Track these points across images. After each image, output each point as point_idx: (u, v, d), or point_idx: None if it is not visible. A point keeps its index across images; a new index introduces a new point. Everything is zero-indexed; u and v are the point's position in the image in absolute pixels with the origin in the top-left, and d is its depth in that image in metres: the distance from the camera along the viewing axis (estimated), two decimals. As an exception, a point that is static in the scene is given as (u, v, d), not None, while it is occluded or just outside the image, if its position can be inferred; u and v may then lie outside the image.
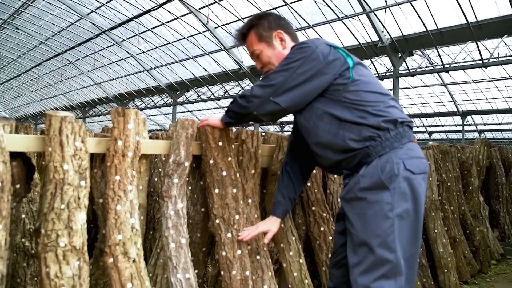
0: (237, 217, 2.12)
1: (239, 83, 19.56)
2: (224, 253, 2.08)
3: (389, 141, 1.77)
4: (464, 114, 18.83)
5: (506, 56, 12.21)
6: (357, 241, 1.75)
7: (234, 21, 15.00)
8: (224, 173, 2.11)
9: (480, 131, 21.43)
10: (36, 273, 2.43)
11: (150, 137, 2.90)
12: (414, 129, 23.41)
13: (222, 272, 2.08)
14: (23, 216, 2.46)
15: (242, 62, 17.48)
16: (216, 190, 2.11)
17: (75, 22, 19.02)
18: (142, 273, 1.78)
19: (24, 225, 2.49)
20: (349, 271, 1.78)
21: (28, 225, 2.49)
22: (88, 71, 25.00)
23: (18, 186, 1.78)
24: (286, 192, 2.18)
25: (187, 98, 23.13)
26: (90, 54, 22.11)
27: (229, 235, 2.09)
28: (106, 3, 16.50)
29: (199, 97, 22.22)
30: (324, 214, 2.61)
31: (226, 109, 2.01)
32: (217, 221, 2.10)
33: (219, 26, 15.74)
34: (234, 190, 2.13)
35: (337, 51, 1.86)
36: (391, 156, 1.75)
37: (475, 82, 16.11)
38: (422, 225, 1.85)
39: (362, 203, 1.75)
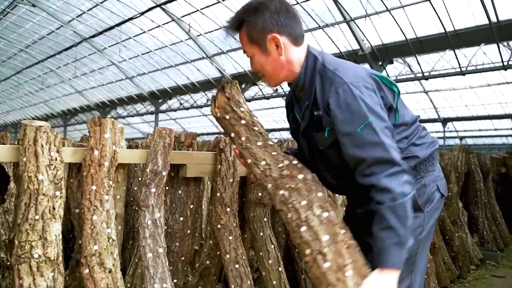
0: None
1: (222, 91, 19.52)
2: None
3: (424, 165, 1.73)
4: (445, 121, 19.09)
5: (483, 64, 12.45)
6: None
7: (216, 29, 15.04)
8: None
9: (461, 138, 21.73)
10: (11, 285, 2.39)
11: (130, 146, 2.89)
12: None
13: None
14: (-2, 227, 2.42)
15: (225, 70, 17.52)
16: None
17: (56, 29, 18.86)
18: (118, 283, 1.77)
19: (0, 236, 2.46)
20: None
21: (4, 236, 2.46)
22: (70, 79, 24.76)
23: (-9, 197, 1.76)
24: None
25: (169, 106, 23.06)
26: (71, 62, 21.91)
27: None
28: (88, 10, 16.41)
29: (182, 105, 22.17)
30: (304, 222, 2.61)
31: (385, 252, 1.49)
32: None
33: (201, 34, 15.77)
34: None
35: (383, 82, 1.63)
36: (427, 180, 1.72)
37: (455, 90, 16.36)
38: None
39: None
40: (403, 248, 1.48)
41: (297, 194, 1.65)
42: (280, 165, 1.73)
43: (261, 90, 18.11)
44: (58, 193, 1.67)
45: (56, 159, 1.69)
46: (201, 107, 21.53)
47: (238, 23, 1.67)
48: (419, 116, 1.81)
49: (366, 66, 13.84)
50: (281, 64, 1.66)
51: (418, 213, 1.67)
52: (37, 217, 1.61)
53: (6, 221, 2.51)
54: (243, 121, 1.81)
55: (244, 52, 1.74)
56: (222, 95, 1.83)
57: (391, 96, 1.63)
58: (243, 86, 18.04)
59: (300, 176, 1.69)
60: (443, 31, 11.20)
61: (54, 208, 1.65)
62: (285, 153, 1.85)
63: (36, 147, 1.65)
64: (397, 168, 1.48)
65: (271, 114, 21.14)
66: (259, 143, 1.80)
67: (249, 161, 1.77)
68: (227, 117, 1.81)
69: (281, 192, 1.68)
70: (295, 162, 1.73)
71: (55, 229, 1.64)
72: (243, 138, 1.81)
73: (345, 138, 1.54)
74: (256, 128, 1.81)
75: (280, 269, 2.44)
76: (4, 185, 1.86)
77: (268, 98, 18.24)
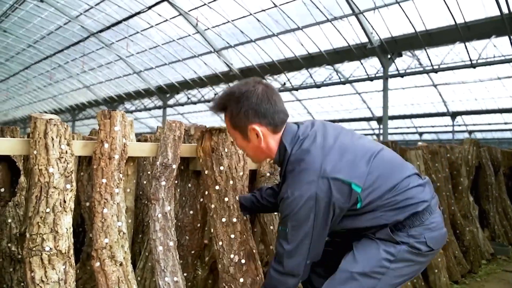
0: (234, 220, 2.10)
1: (229, 85, 19.51)
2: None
3: (410, 219, 1.72)
4: (454, 115, 18.95)
5: (494, 57, 12.31)
6: (344, 267, 1.73)
7: (224, 23, 15.00)
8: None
9: (470, 132, 21.59)
10: (22, 278, 2.40)
11: (139, 140, 2.88)
12: (404, 130, 23.55)
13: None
14: (9, 220, 2.42)
15: (232, 64, 17.49)
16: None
17: (64, 24, 18.89)
18: (129, 276, 1.76)
19: (11, 230, 2.46)
20: None
21: (15, 229, 2.46)
22: (78, 74, 24.83)
23: (2, 190, 1.76)
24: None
25: (177, 101, 23.07)
26: (79, 57, 21.96)
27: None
28: (95, 5, 16.41)
29: (189, 100, 22.18)
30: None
31: None
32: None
33: (208, 28, 15.73)
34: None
35: (351, 189, 1.63)
36: (411, 231, 1.71)
37: (464, 83, 16.23)
38: None
39: (367, 240, 1.77)
40: None
41: None
42: (232, 256, 2.01)
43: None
44: (68, 186, 1.67)
45: (66, 152, 1.68)
46: (208, 101, 21.48)
47: (222, 107, 1.77)
48: (409, 175, 1.77)
49: (375, 59, 13.83)
50: (261, 150, 1.78)
51: (393, 244, 1.69)
52: (48, 210, 1.60)
53: (16, 215, 2.51)
54: (217, 187, 2.04)
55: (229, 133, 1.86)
56: (209, 140, 2.07)
57: (349, 194, 1.63)
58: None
59: (241, 280, 1.98)
60: (453, 23, 11.08)
61: (64, 201, 1.65)
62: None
63: (46, 140, 1.64)
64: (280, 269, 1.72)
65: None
66: (223, 220, 2.03)
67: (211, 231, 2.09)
68: (206, 172, 2.06)
69: (223, 284, 2.01)
70: (243, 261, 2.02)
71: (66, 222, 1.64)
72: (212, 206, 2.05)
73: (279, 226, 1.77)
74: (226, 199, 2.04)
75: (290, 262, 2.42)
76: (15, 178, 1.86)
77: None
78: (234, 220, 2.06)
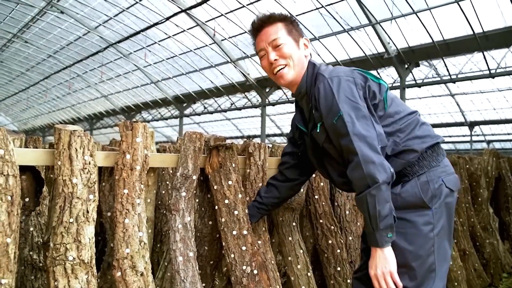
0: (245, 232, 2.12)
1: (245, 95, 19.62)
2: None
3: (427, 160, 1.75)
4: (472, 125, 18.73)
5: (513, 66, 12.17)
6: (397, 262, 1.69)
7: (241, 34, 15.09)
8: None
9: (489, 142, 21.30)
10: (43, 286, 2.43)
11: (158, 150, 2.91)
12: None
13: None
14: (31, 229, 2.47)
15: (249, 74, 17.56)
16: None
17: (83, 35, 19.21)
18: (149, 286, 1.78)
19: (32, 238, 2.50)
20: None
21: (36, 238, 2.50)
22: (96, 83, 25.19)
23: (27, 199, 1.79)
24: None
25: (194, 110, 23.23)
26: (97, 67, 22.29)
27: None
28: (114, 16, 16.66)
29: (206, 109, 22.31)
30: (332, 227, 2.59)
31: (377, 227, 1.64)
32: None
33: (225, 39, 15.84)
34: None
35: (380, 84, 1.81)
36: (430, 175, 1.73)
37: (482, 92, 16.04)
38: None
39: (401, 223, 1.71)
40: (380, 230, 1.62)
41: None
42: (244, 267, 2.04)
43: (285, 94, 18.08)
44: (91, 196, 1.70)
45: (89, 163, 1.71)
46: (225, 111, 21.62)
47: (278, 18, 1.94)
48: (417, 111, 1.87)
49: (392, 69, 13.78)
50: (302, 62, 1.93)
51: (425, 210, 1.70)
52: (71, 220, 1.63)
53: (38, 223, 2.55)
54: (226, 201, 2.09)
55: (269, 43, 1.91)
56: (216, 156, 2.12)
57: (377, 89, 1.78)
58: (267, 90, 18.04)
59: None
60: (471, 32, 10.99)
61: (87, 211, 1.67)
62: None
63: (70, 151, 1.67)
64: (357, 159, 1.63)
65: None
66: (234, 232, 2.07)
67: (223, 244, 2.11)
68: (215, 187, 2.11)
69: None
70: (255, 272, 2.05)
71: (89, 232, 1.67)
72: (222, 220, 2.09)
73: (330, 130, 1.75)
74: (236, 212, 2.08)
75: (309, 274, 2.42)
76: (39, 188, 1.89)
77: (292, 102, 18.20)
78: (245, 232, 2.08)
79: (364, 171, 1.61)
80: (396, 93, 14.15)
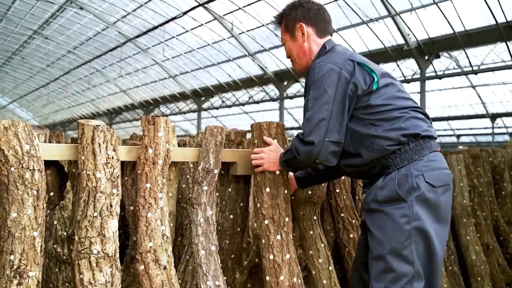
0: (287, 219, 2.10)
1: (263, 89, 19.60)
2: (271, 257, 2.03)
3: (408, 153, 1.76)
4: (493, 117, 18.39)
5: (537, 57, 11.89)
6: (375, 253, 1.77)
7: (258, 27, 15.05)
8: (277, 172, 2.09)
9: (511, 134, 20.91)
10: (67, 279, 2.48)
11: (178, 144, 2.92)
12: (441, 132, 22.99)
13: (267, 278, 2.03)
14: (55, 222, 2.51)
15: (267, 67, 17.52)
16: (267, 189, 2.08)
17: (101, 31, 19.40)
18: (173, 280, 1.79)
19: (56, 232, 2.54)
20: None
21: (60, 231, 2.54)
22: (115, 78, 25.43)
23: (52, 194, 1.82)
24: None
25: (211, 104, 23.30)
26: (116, 62, 22.49)
27: (278, 237, 2.05)
28: (132, 11, 16.77)
29: (224, 103, 22.36)
30: (353, 221, 2.58)
31: (284, 155, 1.95)
32: (266, 222, 2.06)
33: (243, 32, 15.82)
34: (286, 191, 2.12)
35: (362, 67, 1.84)
36: (410, 169, 1.74)
37: (505, 84, 15.73)
38: (447, 236, 1.84)
39: (380, 215, 1.77)
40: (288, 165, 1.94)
41: None
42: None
43: (303, 87, 18.00)
44: (114, 190, 1.71)
45: (112, 158, 1.73)
46: (242, 104, 21.63)
47: (280, 16, 2.09)
48: (415, 106, 1.87)
49: (412, 61, 13.59)
50: (303, 51, 2.02)
51: (401, 203, 1.71)
52: (95, 214, 1.65)
53: (62, 217, 2.59)
54: (267, 189, 2.08)
55: (282, 41, 2.11)
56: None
57: (365, 81, 1.81)
58: (285, 83, 17.98)
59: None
60: (494, 22, 10.76)
61: (111, 206, 1.69)
62: None
63: (93, 146, 1.69)
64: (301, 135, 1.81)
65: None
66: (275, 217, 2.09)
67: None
68: (258, 178, 2.15)
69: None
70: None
71: (113, 226, 1.68)
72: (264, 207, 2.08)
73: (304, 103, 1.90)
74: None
75: (330, 268, 2.41)
76: (63, 182, 1.92)
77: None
78: (287, 219, 2.10)
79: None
80: (416, 85, 13.98)
